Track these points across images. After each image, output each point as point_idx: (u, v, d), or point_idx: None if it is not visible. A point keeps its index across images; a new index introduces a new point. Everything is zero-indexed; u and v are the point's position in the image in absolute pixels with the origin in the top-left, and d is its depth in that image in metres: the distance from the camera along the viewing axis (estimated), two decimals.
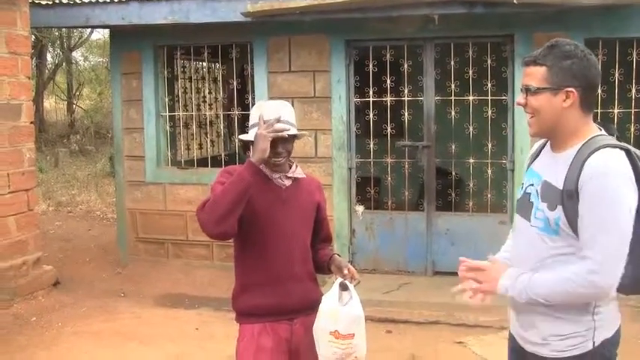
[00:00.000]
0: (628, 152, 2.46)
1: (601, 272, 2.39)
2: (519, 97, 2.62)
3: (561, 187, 2.47)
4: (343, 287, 3.09)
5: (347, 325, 3.01)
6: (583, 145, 2.49)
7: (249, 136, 3.15)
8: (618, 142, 2.50)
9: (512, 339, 2.83)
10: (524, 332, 2.69)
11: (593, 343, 2.53)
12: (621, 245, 2.40)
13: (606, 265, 2.38)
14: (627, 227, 2.41)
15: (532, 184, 2.66)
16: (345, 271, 3.17)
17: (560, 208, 2.47)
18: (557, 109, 2.51)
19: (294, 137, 3.17)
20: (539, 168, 2.67)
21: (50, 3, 7.83)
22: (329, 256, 3.35)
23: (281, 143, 3.10)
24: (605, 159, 2.41)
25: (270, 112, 3.12)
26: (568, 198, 2.44)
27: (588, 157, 2.42)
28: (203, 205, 2.97)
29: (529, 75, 2.55)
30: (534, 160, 2.78)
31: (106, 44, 22.40)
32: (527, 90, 2.55)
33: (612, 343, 2.58)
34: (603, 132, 2.57)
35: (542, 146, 2.77)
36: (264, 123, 3.02)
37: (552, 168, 2.57)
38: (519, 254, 2.71)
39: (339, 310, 3.02)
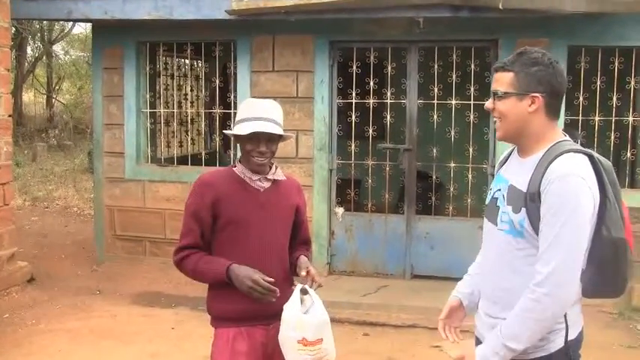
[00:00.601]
0: (591, 157, 2.54)
1: (553, 289, 2.44)
2: (488, 102, 2.70)
3: (525, 190, 2.54)
4: (303, 292, 3.08)
5: (314, 331, 3.00)
6: (548, 149, 2.57)
7: (232, 132, 3.13)
8: (582, 148, 2.57)
9: (478, 342, 2.85)
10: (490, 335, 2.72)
11: (559, 343, 2.57)
12: (572, 260, 2.46)
13: (555, 279, 2.44)
14: (581, 237, 2.47)
15: (499, 189, 2.73)
16: (303, 273, 3.15)
17: (524, 210, 2.54)
18: (522, 114, 2.60)
19: (279, 138, 3.14)
20: (507, 173, 2.74)
21: None
22: (296, 258, 3.33)
23: (265, 143, 3.09)
24: (568, 163, 2.48)
25: (257, 110, 3.11)
26: (531, 200, 2.51)
27: (552, 161, 2.49)
28: (178, 251, 3.21)
29: (497, 80, 2.65)
30: (502, 165, 2.85)
31: (87, 38, 22.34)
32: (494, 95, 2.65)
33: (576, 343, 2.63)
34: (568, 138, 2.65)
35: (511, 153, 2.84)
36: (258, 281, 3.02)
37: (518, 172, 2.64)
38: (489, 259, 2.78)
39: (303, 318, 3.00)
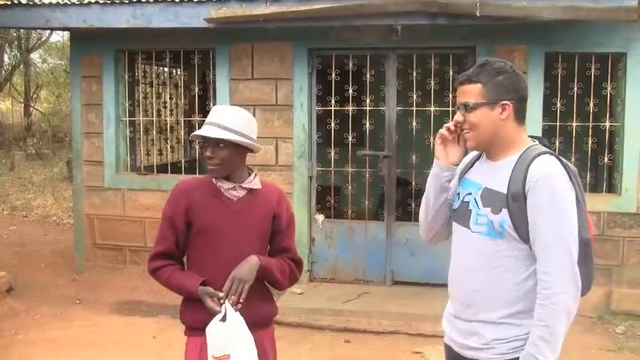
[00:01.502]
0: (560, 161, 2.64)
1: (563, 286, 2.49)
2: (457, 115, 2.74)
3: (505, 191, 2.60)
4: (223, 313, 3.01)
5: (220, 347, 2.96)
6: (523, 152, 2.65)
7: (198, 132, 3.10)
8: (553, 152, 2.67)
9: (448, 349, 2.89)
10: (464, 340, 2.76)
11: None
12: (574, 253, 2.51)
13: (563, 275, 2.49)
14: (575, 229, 2.54)
15: (470, 193, 2.77)
16: (225, 288, 3.03)
17: (505, 211, 2.60)
18: (495, 122, 2.66)
19: (233, 145, 3.06)
20: (477, 177, 2.79)
21: (9, 3, 7.70)
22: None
23: (212, 149, 3.06)
24: (548, 163, 2.58)
25: (215, 116, 3.09)
26: (513, 200, 2.57)
27: (531, 162, 2.58)
28: (151, 259, 3.20)
29: (465, 93, 2.69)
30: (467, 171, 2.88)
31: (65, 46, 22.19)
32: (465, 107, 2.68)
33: None
34: (537, 143, 2.73)
35: (476, 158, 2.89)
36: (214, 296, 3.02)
37: (492, 175, 2.70)
38: (462, 262, 2.80)
39: (210, 330, 2.97)
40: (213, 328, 2.97)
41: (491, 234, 2.63)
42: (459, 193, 2.85)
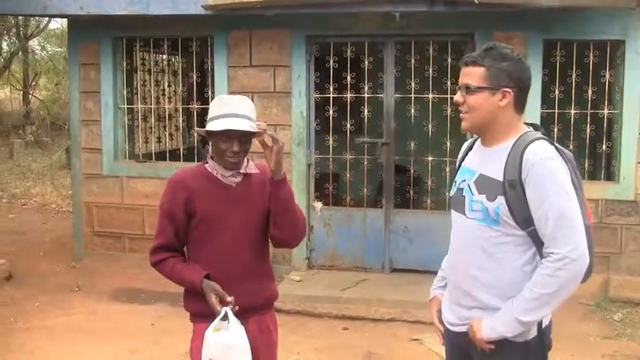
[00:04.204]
0: (556, 147, 2.67)
1: (570, 265, 2.50)
2: (457, 95, 2.74)
3: (501, 179, 2.62)
4: (224, 314, 3.01)
5: (219, 353, 2.96)
6: (518, 139, 2.66)
7: (205, 129, 3.10)
8: (548, 138, 2.69)
9: (450, 335, 2.91)
10: (463, 327, 2.78)
11: (534, 332, 2.66)
12: (581, 233, 2.54)
13: (574, 255, 2.50)
14: (578, 209, 2.57)
15: (464, 180, 2.80)
16: (229, 299, 3.03)
17: (501, 198, 2.61)
18: (493, 108, 2.67)
19: (252, 135, 3.06)
20: (472, 164, 2.82)
21: None
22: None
23: (239, 142, 3.04)
24: (543, 148, 2.60)
25: (229, 107, 3.06)
26: (510, 187, 2.59)
27: (525, 148, 2.59)
28: (153, 252, 3.19)
29: (468, 74, 2.69)
30: (464, 158, 2.92)
31: (64, 33, 22.07)
32: (467, 88, 2.68)
33: (549, 329, 2.74)
34: (532, 129, 2.74)
35: (472, 145, 2.93)
36: (217, 293, 3.02)
37: (487, 161, 2.72)
38: (459, 249, 2.83)
39: (209, 336, 2.97)
40: (214, 334, 2.96)
41: (487, 220, 2.66)
42: (455, 181, 2.88)
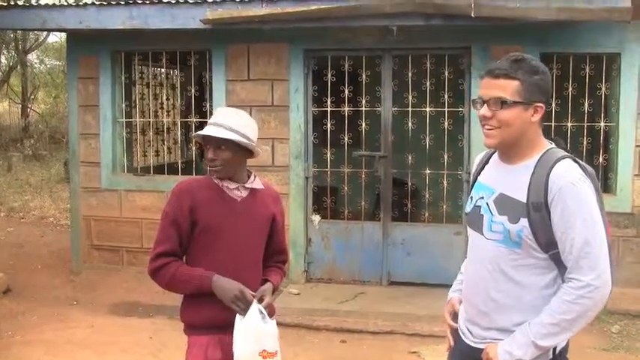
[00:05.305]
0: (579, 164, 2.54)
1: (594, 293, 2.43)
2: (484, 110, 2.56)
3: (524, 200, 2.50)
4: (260, 311, 3.05)
5: (274, 342, 3.03)
6: (541, 157, 2.54)
7: (201, 132, 3.12)
8: (572, 155, 2.57)
9: (462, 342, 2.80)
10: (479, 345, 2.69)
11: (554, 352, 2.57)
12: (608, 261, 2.47)
13: (599, 282, 2.43)
14: (605, 235, 2.48)
15: (482, 197, 2.68)
16: (263, 302, 3.12)
17: (524, 220, 2.50)
18: (525, 123, 2.53)
19: (234, 145, 3.08)
20: (489, 180, 2.70)
21: (5, 5, 7.72)
22: (264, 277, 3.30)
23: (213, 150, 3.08)
24: (570, 169, 2.48)
25: (218, 117, 3.11)
26: (535, 210, 2.47)
27: (551, 168, 2.47)
28: (154, 258, 3.13)
29: (500, 87, 2.52)
30: (480, 172, 2.80)
31: (62, 47, 22.14)
32: (502, 102, 2.51)
33: (566, 350, 2.65)
34: (554, 145, 2.63)
35: (486, 159, 2.81)
36: (244, 293, 3.06)
37: (508, 180, 2.59)
38: (477, 269, 2.71)
39: (264, 328, 3.00)
40: (264, 325, 3.01)
41: (507, 242, 2.56)
42: (471, 197, 2.77)
